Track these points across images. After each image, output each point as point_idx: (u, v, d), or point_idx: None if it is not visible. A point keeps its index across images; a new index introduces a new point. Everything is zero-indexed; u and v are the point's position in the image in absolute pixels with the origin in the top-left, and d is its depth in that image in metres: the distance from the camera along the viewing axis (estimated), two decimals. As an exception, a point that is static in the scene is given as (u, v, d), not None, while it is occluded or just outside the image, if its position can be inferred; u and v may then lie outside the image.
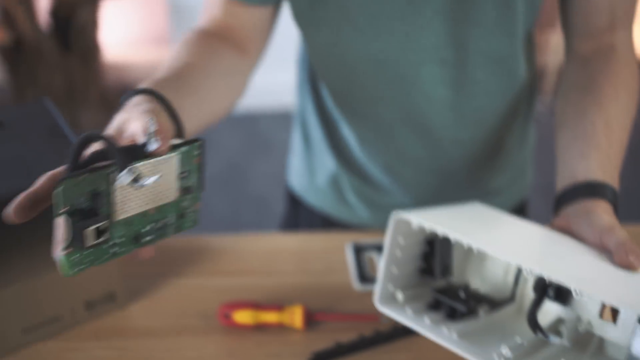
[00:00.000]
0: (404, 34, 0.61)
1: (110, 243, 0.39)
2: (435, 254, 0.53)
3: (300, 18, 0.64)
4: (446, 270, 0.54)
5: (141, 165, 0.38)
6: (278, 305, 0.60)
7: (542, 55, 2.59)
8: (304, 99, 0.80)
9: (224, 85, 0.60)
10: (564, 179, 0.57)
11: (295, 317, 0.58)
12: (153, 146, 0.39)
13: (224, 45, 0.61)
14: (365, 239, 0.72)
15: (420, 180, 0.75)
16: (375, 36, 0.62)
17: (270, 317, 0.59)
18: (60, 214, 0.36)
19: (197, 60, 0.57)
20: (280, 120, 2.57)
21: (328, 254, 0.70)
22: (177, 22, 2.49)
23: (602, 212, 0.51)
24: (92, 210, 0.37)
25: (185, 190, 0.43)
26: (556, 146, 0.61)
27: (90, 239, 0.37)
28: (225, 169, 2.30)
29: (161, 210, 0.42)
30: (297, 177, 0.86)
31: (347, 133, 0.75)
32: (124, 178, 0.37)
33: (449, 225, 0.48)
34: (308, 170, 0.83)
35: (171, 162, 0.41)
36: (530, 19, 0.64)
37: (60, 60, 2.36)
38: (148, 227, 0.42)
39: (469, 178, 0.76)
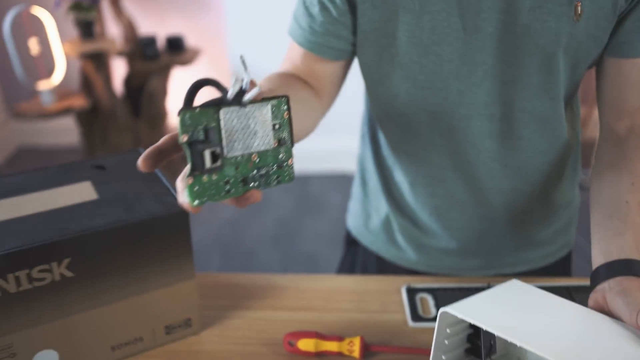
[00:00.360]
0: (458, 91, 0.69)
1: (224, 180, 0.46)
2: (480, 340, 0.57)
3: (368, 73, 0.72)
4: (491, 349, 0.58)
5: (242, 108, 0.46)
6: (338, 336, 0.65)
7: (588, 128, 2.62)
8: (364, 147, 0.88)
9: (302, 113, 0.66)
10: (599, 256, 0.58)
11: (354, 347, 0.64)
12: (246, 96, 0.46)
13: (303, 84, 0.70)
14: (417, 282, 0.77)
15: (466, 224, 0.81)
16: (432, 92, 0.70)
17: (330, 346, 0.64)
18: (182, 143, 0.43)
19: (280, 86, 0.66)
20: (330, 182, 2.66)
21: (383, 295, 0.76)
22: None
23: (637, 290, 0.52)
24: (205, 139, 0.44)
25: (279, 142, 0.49)
26: (591, 223, 0.64)
27: (208, 161, 0.44)
28: (277, 226, 2.39)
29: (262, 157, 0.48)
30: (354, 219, 0.93)
31: (400, 178, 0.82)
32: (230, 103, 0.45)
33: (491, 317, 0.51)
34: (364, 213, 0.90)
35: (264, 110, 0.47)
36: (571, 86, 0.70)
37: (130, 124, 2.55)
38: (254, 172, 0.48)
39: (512, 227, 0.81)
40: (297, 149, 3.10)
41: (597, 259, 0.59)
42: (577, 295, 0.73)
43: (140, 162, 0.45)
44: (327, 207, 2.51)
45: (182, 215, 0.63)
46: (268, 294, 0.76)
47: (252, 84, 0.47)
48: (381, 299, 0.75)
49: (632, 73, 0.67)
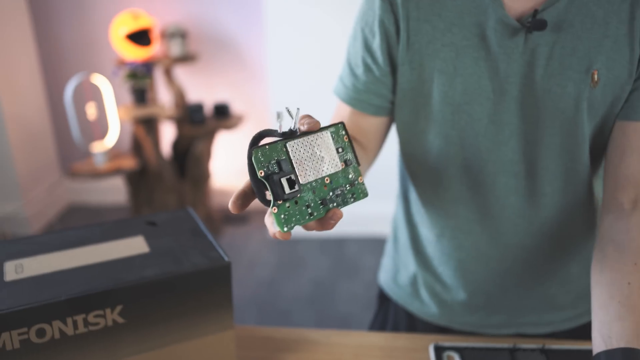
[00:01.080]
0: (486, 148, 0.74)
1: (305, 204, 0.50)
2: None
3: (404, 129, 0.79)
4: None
5: (303, 136, 0.51)
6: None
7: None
8: (398, 207, 0.93)
9: None
10: (599, 341, 0.59)
11: (380, 400, 0.66)
12: (305, 127, 0.51)
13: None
14: (445, 341, 0.80)
15: (489, 279, 0.84)
16: (463, 148, 0.75)
17: (358, 398, 0.67)
18: (260, 177, 0.48)
19: None
20: (365, 245, 2.69)
21: (411, 352, 0.78)
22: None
23: None
24: (280, 170, 0.49)
25: (345, 163, 0.54)
26: (592, 303, 0.64)
27: (286, 187, 0.48)
28: (313, 287, 2.41)
29: (334, 179, 0.53)
30: (385, 274, 0.97)
31: (427, 233, 0.86)
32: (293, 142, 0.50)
33: None
34: (394, 268, 0.95)
35: (325, 137, 0.52)
36: (595, 148, 0.74)
37: (175, 185, 2.66)
38: (330, 194, 0.52)
39: (533, 284, 0.84)
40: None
41: (598, 344, 0.59)
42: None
43: (231, 205, 0.50)
44: (362, 269, 2.52)
45: (224, 268, 0.68)
46: (300, 347, 0.80)
47: (307, 117, 0.52)
48: (410, 356, 0.77)
49: (635, 137, 0.69)
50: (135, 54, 2.59)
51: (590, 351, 0.75)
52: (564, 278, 0.84)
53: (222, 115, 2.71)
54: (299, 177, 0.50)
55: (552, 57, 0.68)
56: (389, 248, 0.98)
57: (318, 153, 0.52)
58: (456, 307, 0.87)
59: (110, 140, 2.72)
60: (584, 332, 0.87)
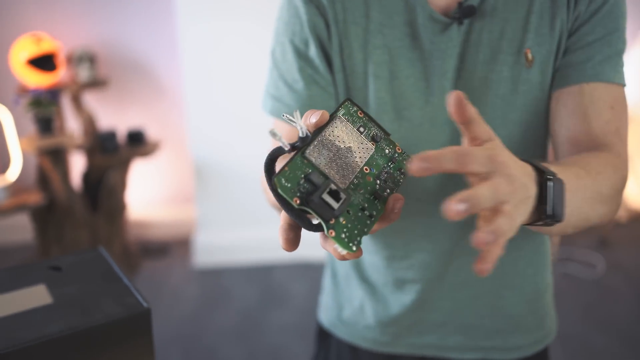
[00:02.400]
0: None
1: (360, 209, 0.42)
2: None
3: None
4: None
5: (317, 136, 0.44)
6: None
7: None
8: None
9: None
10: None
11: None
12: (313, 124, 0.43)
13: None
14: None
15: (445, 295, 0.79)
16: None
17: None
18: (298, 207, 0.40)
19: None
20: (294, 272, 2.63)
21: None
22: (202, 183, 2.67)
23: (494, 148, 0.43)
24: (314, 186, 0.41)
25: (373, 139, 0.46)
26: None
27: (332, 202, 0.40)
28: (240, 318, 2.31)
29: (372, 164, 0.45)
30: (326, 312, 0.91)
31: (374, 258, 0.81)
32: (313, 147, 0.43)
33: None
34: (336, 305, 0.88)
35: (340, 124, 0.45)
36: (538, 139, 0.71)
37: (87, 219, 2.49)
38: (378, 183, 0.45)
39: (491, 300, 0.80)
40: (259, 240, 3.03)
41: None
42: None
43: (284, 245, 0.43)
44: (292, 297, 2.45)
45: (143, 316, 0.60)
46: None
47: (306, 115, 0.45)
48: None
49: (570, 100, 0.66)
50: (39, 80, 2.42)
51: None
52: (512, 282, 0.80)
53: (137, 142, 2.58)
54: (338, 183, 0.43)
55: (482, 43, 0.67)
56: (327, 285, 0.92)
57: (342, 145, 0.45)
58: (408, 329, 0.82)
59: (12, 173, 2.51)
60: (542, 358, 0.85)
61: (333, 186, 0.41)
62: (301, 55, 0.70)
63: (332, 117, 0.46)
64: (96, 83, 2.55)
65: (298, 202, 0.41)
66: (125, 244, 2.63)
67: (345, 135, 0.46)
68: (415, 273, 0.79)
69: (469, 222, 0.74)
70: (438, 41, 0.67)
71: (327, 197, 0.41)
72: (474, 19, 0.67)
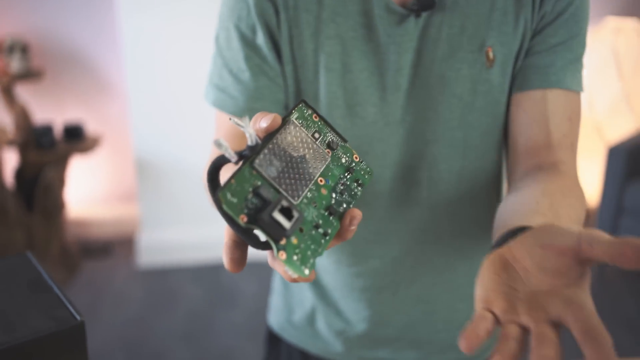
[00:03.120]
0: (382, 154, 0.67)
1: (313, 226, 0.38)
2: None
3: None
4: None
5: (267, 144, 0.39)
6: None
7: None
8: None
9: None
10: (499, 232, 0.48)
11: None
12: (263, 128, 0.39)
13: None
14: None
15: (397, 309, 0.76)
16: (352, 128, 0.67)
17: None
18: (246, 224, 0.36)
19: None
20: (242, 271, 2.56)
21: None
22: (145, 180, 2.56)
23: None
24: (263, 202, 0.37)
25: (329, 146, 0.42)
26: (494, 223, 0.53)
27: (284, 221, 0.36)
28: (188, 320, 2.23)
29: (327, 175, 0.41)
30: (276, 315, 0.86)
31: (324, 262, 0.77)
32: (262, 157, 0.38)
33: None
34: (286, 308, 0.84)
35: (292, 130, 0.41)
36: (495, 140, 0.68)
37: (22, 218, 2.34)
38: (333, 197, 0.40)
39: (439, 310, 0.77)
40: (206, 238, 2.94)
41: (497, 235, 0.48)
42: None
43: (229, 265, 0.38)
44: (241, 297, 2.39)
45: (76, 330, 0.54)
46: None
47: (255, 120, 0.41)
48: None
49: (530, 106, 0.64)
50: (-35, 70, 2.25)
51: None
52: (470, 251, 0.76)
53: (75, 137, 2.44)
54: (290, 197, 0.38)
55: (440, 39, 0.63)
56: (277, 286, 0.87)
57: (295, 154, 0.40)
58: (360, 341, 0.79)
59: (-64, 171, 2.32)
60: None
61: (285, 202, 0.37)
62: (248, 43, 0.65)
63: (285, 121, 0.41)
64: (29, 74, 2.40)
65: (245, 220, 0.36)
66: (64, 244, 2.50)
67: (298, 142, 0.41)
68: (365, 281, 0.75)
69: (422, 229, 0.71)
70: (394, 34, 0.63)
71: (277, 215, 0.36)
72: (433, 12, 0.63)
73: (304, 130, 0.42)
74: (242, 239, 0.38)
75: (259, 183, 0.38)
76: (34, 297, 0.58)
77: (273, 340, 0.87)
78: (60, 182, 2.41)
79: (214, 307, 2.32)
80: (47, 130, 2.34)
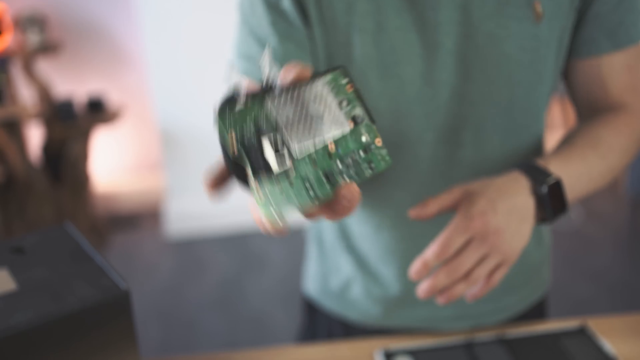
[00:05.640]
0: (422, 115, 0.64)
1: (302, 180, 0.35)
2: None
3: None
4: None
5: (292, 90, 0.37)
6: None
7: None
8: None
9: None
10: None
11: None
12: (289, 79, 0.36)
13: None
14: (393, 344, 0.70)
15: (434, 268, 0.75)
16: (395, 120, 0.65)
17: None
18: (234, 149, 0.34)
19: None
20: (270, 237, 2.57)
21: (357, 363, 0.68)
22: (169, 149, 2.56)
23: (485, 195, 0.57)
24: (258, 131, 0.35)
25: (354, 119, 0.39)
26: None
27: (273, 158, 0.34)
28: (219, 288, 2.25)
29: (341, 144, 0.38)
30: (312, 282, 0.85)
31: (361, 228, 0.75)
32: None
33: None
34: (322, 275, 0.82)
35: (319, 88, 0.38)
36: (542, 100, 0.68)
37: (49, 193, 2.37)
38: (338, 165, 0.37)
39: None
40: (232, 205, 2.94)
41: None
42: (568, 340, 0.68)
43: (208, 190, 0.36)
44: (270, 263, 2.41)
45: (122, 298, 0.53)
46: (227, 377, 0.67)
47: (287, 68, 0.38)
48: (356, 368, 0.67)
49: (607, 70, 0.66)
50: (-15, 47, 2.25)
51: (549, 335, 0.69)
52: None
53: (97, 109, 2.44)
54: (290, 143, 0.35)
55: None
56: (312, 253, 0.85)
57: (314, 112, 0.37)
58: (399, 304, 0.77)
59: (-37, 149, 2.35)
60: (539, 311, 0.81)
61: (280, 138, 0.35)
62: (272, 7, 0.62)
63: (314, 77, 0.38)
64: (48, 48, 2.39)
65: (235, 140, 0.34)
66: (92, 217, 2.53)
67: (321, 101, 0.38)
68: (407, 244, 0.74)
69: None
70: None
71: (268, 149, 0.34)
72: None
73: (331, 94, 0.39)
74: (230, 169, 0.35)
75: (264, 120, 0.35)
76: (77, 267, 0.57)
77: (310, 307, 0.86)
78: (84, 155, 2.43)
79: (243, 274, 2.34)
80: (68, 104, 2.34)
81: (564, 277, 2.20)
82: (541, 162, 0.60)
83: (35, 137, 2.63)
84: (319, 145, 0.37)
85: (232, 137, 0.34)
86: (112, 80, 2.70)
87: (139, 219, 2.80)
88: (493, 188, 0.57)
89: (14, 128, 2.24)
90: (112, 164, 2.85)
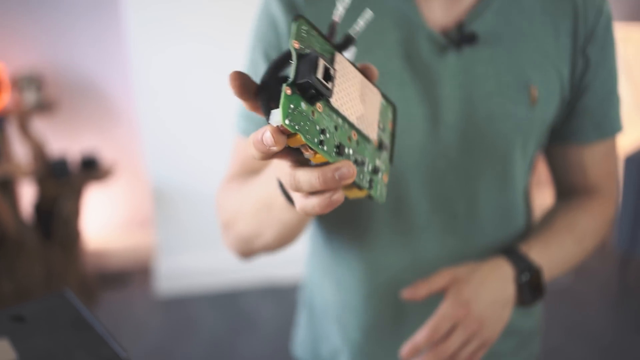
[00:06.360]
0: (419, 185, 0.66)
1: (318, 126, 0.36)
2: None
3: None
4: None
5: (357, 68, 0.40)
6: None
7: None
8: (311, 269, 0.82)
9: None
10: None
11: None
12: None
13: None
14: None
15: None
16: (392, 186, 0.67)
17: None
18: (292, 48, 0.35)
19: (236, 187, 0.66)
20: (262, 296, 2.55)
21: None
22: (161, 207, 2.57)
23: (467, 283, 0.60)
24: (321, 56, 0.36)
25: (380, 144, 0.41)
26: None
27: (320, 72, 0.35)
28: (209, 348, 2.21)
29: (361, 142, 0.39)
30: (302, 348, 0.85)
31: (352, 296, 0.75)
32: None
33: None
34: (312, 341, 0.82)
35: (375, 95, 0.40)
36: (527, 173, 0.72)
37: (40, 251, 2.35)
38: (350, 150, 0.38)
39: None
40: (223, 264, 2.90)
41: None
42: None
43: (232, 83, 0.37)
44: (261, 322, 2.37)
45: (122, 368, 0.53)
46: None
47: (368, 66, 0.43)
48: None
49: (588, 156, 0.71)
50: (-18, 106, 2.28)
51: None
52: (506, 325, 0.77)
53: (90, 167, 2.46)
54: (332, 91, 0.37)
55: (489, 75, 0.63)
56: (303, 319, 0.85)
57: (362, 96, 0.39)
58: None
59: (-46, 206, 2.34)
60: None
61: (332, 72, 0.36)
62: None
63: (377, 85, 0.42)
64: (44, 107, 2.43)
65: (297, 45, 0.36)
66: (82, 275, 2.50)
67: (370, 105, 0.40)
68: (399, 311, 0.74)
69: (459, 259, 0.71)
70: (434, 65, 0.63)
71: (321, 65, 0.35)
72: (479, 47, 0.63)
73: (378, 110, 0.41)
74: (261, 86, 0.37)
75: (328, 56, 0.38)
76: (78, 335, 0.57)
77: None
78: (76, 212, 2.42)
79: (234, 333, 2.31)
80: (62, 161, 2.36)
81: (553, 335, 2.19)
82: (524, 248, 0.65)
83: (27, 194, 2.63)
84: (347, 122, 0.38)
85: (296, 44, 0.36)
86: (106, 138, 2.73)
87: (129, 276, 2.76)
88: (478, 275, 0.61)
89: (7, 186, 2.24)
90: (103, 221, 2.84)
